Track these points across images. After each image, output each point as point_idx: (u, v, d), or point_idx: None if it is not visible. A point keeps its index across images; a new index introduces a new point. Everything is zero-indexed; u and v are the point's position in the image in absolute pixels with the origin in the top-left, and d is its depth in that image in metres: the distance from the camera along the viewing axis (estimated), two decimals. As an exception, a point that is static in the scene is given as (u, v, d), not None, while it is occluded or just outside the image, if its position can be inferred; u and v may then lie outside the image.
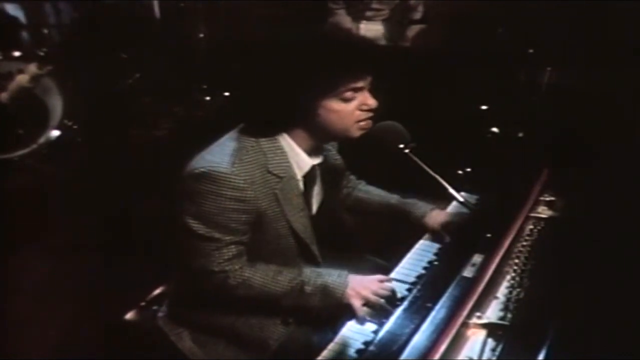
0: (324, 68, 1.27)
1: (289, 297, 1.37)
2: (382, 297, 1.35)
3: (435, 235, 1.64)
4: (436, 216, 1.66)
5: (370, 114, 1.36)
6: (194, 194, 1.29)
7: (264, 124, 1.34)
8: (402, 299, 1.32)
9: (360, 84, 1.31)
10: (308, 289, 1.36)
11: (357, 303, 1.34)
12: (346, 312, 1.34)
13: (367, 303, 1.34)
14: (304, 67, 1.27)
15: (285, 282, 1.36)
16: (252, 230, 1.35)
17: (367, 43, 1.41)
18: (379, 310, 1.33)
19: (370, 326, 1.29)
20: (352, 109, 1.32)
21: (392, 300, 1.35)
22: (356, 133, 1.36)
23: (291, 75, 1.28)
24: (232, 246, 1.33)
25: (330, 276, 1.38)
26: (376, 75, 1.35)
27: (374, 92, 1.35)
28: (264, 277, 1.36)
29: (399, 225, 1.72)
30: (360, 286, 1.36)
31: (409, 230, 1.69)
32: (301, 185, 1.41)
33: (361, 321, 1.31)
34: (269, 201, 1.33)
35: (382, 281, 1.40)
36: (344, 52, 1.30)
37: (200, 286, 1.38)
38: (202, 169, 1.28)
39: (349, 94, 1.30)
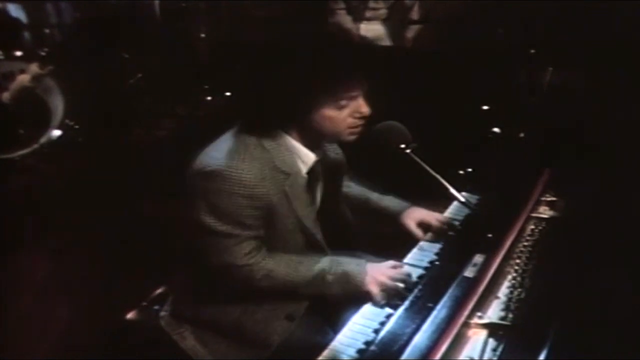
0: (323, 78, 1.28)
1: (311, 286, 1.39)
2: (398, 281, 1.37)
3: (410, 234, 1.63)
4: (412, 215, 1.65)
5: (363, 122, 1.36)
6: (207, 192, 1.30)
7: (262, 125, 1.35)
8: (404, 298, 1.33)
9: (355, 93, 1.32)
10: (330, 277, 1.38)
11: (375, 290, 1.36)
12: (357, 302, 1.36)
13: (384, 289, 1.36)
14: (302, 77, 1.28)
15: (307, 272, 1.38)
16: (264, 225, 1.36)
17: (365, 50, 1.42)
18: (396, 295, 1.35)
19: (372, 324, 1.29)
20: (345, 116, 1.33)
21: (408, 284, 1.37)
22: (347, 137, 1.38)
23: (286, 79, 1.28)
24: (252, 240, 1.35)
25: (350, 264, 1.40)
26: (371, 81, 1.35)
27: (370, 97, 1.35)
28: (287, 267, 1.38)
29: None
30: (378, 273, 1.38)
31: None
32: (306, 181, 1.41)
33: (379, 306, 1.34)
34: (279, 198, 1.33)
35: (395, 267, 1.43)
36: (342, 63, 1.30)
37: (225, 282, 1.39)
38: (210, 167, 1.29)
39: (344, 102, 1.31)
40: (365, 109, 1.34)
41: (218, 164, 1.29)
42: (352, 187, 1.72)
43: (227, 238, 1.31)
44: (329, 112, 1.31)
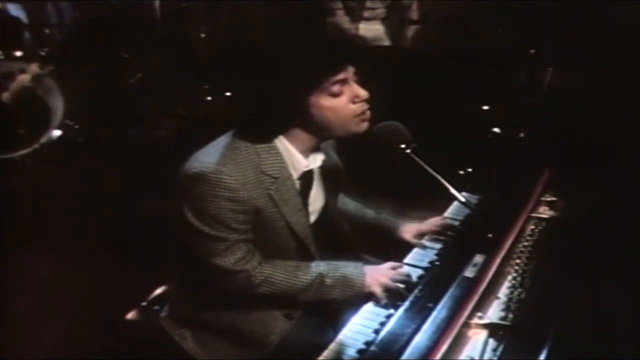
0: (300, 64, 1.27)
1: (310, 291, 1.38)
2: (398, 282, 1.38)
3: (411, 245, 1.64)
4: (408, 229, 1.66)
5: (366, 105, 1.34)
6: (191, 194, 1.29)
7: (259, 130, 1.34)
8: (404, 298, 1.33)
9: (341, 76, 1.30)
10: (328, 281, 1.38)
11: (378, 290, 1.37)
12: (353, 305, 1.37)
13: (386, 290, 1.37)
14: (281, 67, 1.27)
15: (306, 277, 1.38)
16: (252, 230, 1.36)
17: (341, 35, 1.41)
18: (397, 295, 1.36)
19: (372, 324, 1.29)
20: (344, 103, 1.31)
21: (408, 284, 1.39)
22: (358, 127, 1.35)
23: (270, 77, 1.28)
24: (241, 244, 1.33)
25: (347, 267, 1.41)
26: (357, 65, 1.33)
27: (369, 87, 1.34)
28: (284, 272, 1.37)
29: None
30: (378, 274, 1.40)
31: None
32: (297, 185, 1.40)
33: (382, 306, 1.35)
34: (264, 201, 1.32)
35: (394, 268, 1.44)
36: (316, 45, 1.31)
37: (224, 288, 1.38)
38: (194, 170, 1.28)
39: (335, 88, 1.29)
40: (362, 92, 1.33)
41: (201, 167, 1.28)
42: (348, 204, 1.72)
43: (216, 241, 1.30)
44: (325, 101, 1.29)
